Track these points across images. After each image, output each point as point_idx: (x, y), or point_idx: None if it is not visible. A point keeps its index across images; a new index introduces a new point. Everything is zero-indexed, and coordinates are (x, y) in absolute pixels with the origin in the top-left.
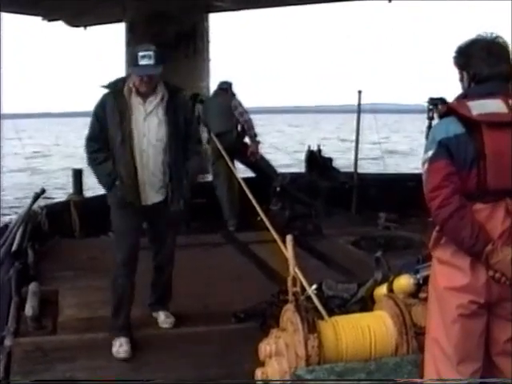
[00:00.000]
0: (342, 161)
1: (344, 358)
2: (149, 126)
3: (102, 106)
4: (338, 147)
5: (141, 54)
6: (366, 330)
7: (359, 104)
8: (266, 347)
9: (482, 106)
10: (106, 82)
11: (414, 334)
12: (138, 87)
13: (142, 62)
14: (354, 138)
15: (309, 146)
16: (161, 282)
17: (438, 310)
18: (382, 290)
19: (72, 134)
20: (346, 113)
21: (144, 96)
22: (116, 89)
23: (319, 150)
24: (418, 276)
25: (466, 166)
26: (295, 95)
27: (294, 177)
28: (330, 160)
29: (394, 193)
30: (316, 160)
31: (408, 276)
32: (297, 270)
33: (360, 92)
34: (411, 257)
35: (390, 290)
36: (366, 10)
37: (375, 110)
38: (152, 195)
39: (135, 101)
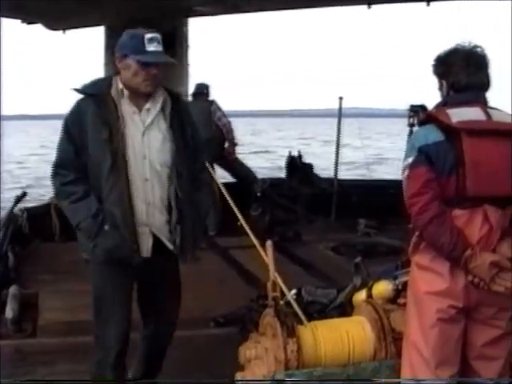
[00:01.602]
0: (324, 163)
1: (323, 363)
2: (149, 145)
3: (77, 117)
4: (319, 151)
5: (148, 36)
6: (344, 335)
7: (340, 109)
8: (245, 351)
9: (461, 114)
10: (80, 85)
11: (392, 339)
12: (139, 86)
13: (151, 48)
14: (333, 143)
15: (289, 152)
16: (157, 351)
17: (416, 315)
18: (361, 295)
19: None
20: (325, 117)
21: (139, 102)
22: (99, 93)
23: (300, 156)
24: (397, 282)
25: (445, 172)
26: (276, 99)
27: (275, 182)
28: (310, 166)
29: (374, 199)
30: (296, 166)
31: (387, 282)
32: (276, 275)
33: (341, 98)
34: (390, 263)
35: (369, 295)
36: (345, 16)
37: (355, 114)
38: (162, 244)
39: (128, 109)
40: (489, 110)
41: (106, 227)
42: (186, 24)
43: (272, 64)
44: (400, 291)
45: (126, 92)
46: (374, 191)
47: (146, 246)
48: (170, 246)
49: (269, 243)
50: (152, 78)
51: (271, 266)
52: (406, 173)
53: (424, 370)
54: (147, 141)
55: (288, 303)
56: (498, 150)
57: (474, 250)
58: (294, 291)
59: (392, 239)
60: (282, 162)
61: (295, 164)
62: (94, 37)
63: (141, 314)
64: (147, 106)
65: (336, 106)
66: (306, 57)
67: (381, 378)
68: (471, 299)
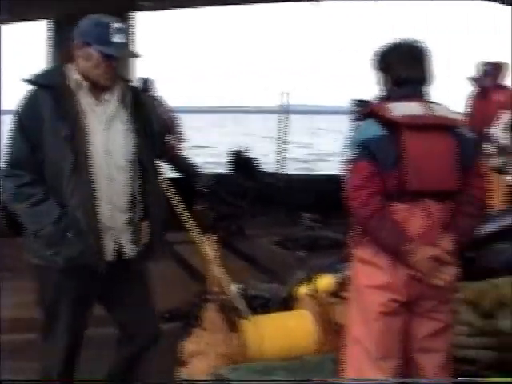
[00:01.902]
0: (269, 158)
1: (266, 357)
2: (114, 139)
3: (32, 110)
4: (264, 147)
5: (115, 26)
6: (288, 329)
7: (283, 105)
8: (188, 346)
9: (402, 108)
10: (30, 75)
11: (335, 332)
12: (99, 78)
13: (117, 39)
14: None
15: (234, 147)
16: (141, 354)
17: (358, 308)
18: (305, 289)
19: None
20: (271, 113)
21: (97, 94)
22: (55, 84)
23: (244, 151)
24: (340, 275)
25: (386, 167)
26: (219, 95)
27: (219, 177)
28: (255, 161)
29: (319, 193)
30: (241, 161)
31: (330, 275)
32: (219, 270)
33: (285, 93)
34: (334, 257)
35: (313, 289)
36: (292, 12)
37: (302, 111)
38: (125, 245)
39: (88, 102)
40: (430, 104)
41: (70, 234)
42: (132, 18)
43: (214, 60)
44: (343, 285)
45: (84, 83)
46: (318, 185)
47: (110, 250)
48: (133, 249)
49: (210, 238)
50: (113, 71)
51: (213, 261)
52: (347, 167)
53: (366, 363)
54: (110, 134)
55: (231, 298)
56: (438, 144)
57: (414, 244)
58: (237, 286)
59: (336, 233)
60: (226, 158)
61: (240, 159)
62: (37, 31)
63: (115, 319)
64: (106, 96)
65: (281, 102)
66: (250, 52)
67: (325, 371)
68: (412, 293)
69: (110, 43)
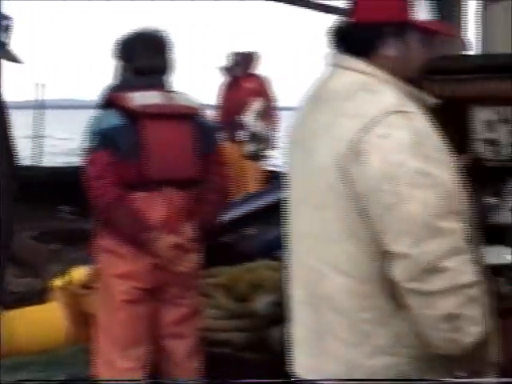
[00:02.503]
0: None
1: (20, 352)
2: None
3: None
4: (21, 142)
5: (4, 23)
6: (42, 323)
7: (39, 99)
8: None
9: (142, 98)
10: None
11: (87, 323)
12: None
13: (2, 38)
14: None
15: None
16: None
17: (104, 298)
18: (60, 282)
19: None
20: (28, 108)
21: None
22: None
23: None
24: (93, 267)
25: (125, 156)
26: None
27: None
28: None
29: (76, 186)
30: None
31: (83, 267)
32: None
33: (40, 87)
34: (89, 249)
35: (66, 281)
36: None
37: (59, 105)
38: None
39: None
40: (170, 93)
41: None
42: None
43: None
44: (95, 276)
45: None
46: (75, 178)
47: None
48: None
49: None
50: None
51: None
52: (86, 157)
53: (115, 352)
54: None
55: None
56: (178, 133)
57: (156, 232)
58: None
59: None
60: None
61: None
62: None
63: None
64: None
65: (37, 96)
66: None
67: (78, 363)
68: (155, 280)
69: None
